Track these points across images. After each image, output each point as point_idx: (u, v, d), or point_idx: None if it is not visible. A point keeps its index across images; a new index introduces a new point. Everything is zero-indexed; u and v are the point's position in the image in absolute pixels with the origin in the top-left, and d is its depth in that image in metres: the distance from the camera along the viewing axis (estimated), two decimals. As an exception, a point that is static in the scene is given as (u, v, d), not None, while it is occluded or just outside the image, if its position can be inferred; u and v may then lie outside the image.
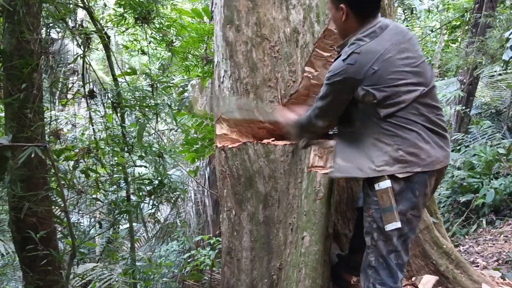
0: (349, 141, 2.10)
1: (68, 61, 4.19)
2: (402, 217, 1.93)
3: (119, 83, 3.98)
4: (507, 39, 6.05)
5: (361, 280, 2.09)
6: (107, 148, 3.75)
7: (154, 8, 3.81)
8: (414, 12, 12.46)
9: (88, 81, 3.87)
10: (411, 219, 1.97)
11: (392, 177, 1.91)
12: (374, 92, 1.91)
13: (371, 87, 1.91)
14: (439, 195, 6.39)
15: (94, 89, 3.97)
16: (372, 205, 1.97)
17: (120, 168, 3.80)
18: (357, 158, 2.03)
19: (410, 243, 2.07)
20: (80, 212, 3.96)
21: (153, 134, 4.40)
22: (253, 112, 2.70)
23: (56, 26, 3.46)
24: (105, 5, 4.21)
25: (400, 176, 1.90)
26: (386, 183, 1.91)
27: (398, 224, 1.91)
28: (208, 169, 7.32)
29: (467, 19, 9.31)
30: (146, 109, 3.80)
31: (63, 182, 3.27)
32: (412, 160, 1.90)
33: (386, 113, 1.92)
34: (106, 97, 3.83)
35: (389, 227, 1.92)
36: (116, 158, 3.79)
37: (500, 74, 9.17)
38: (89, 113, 3.94)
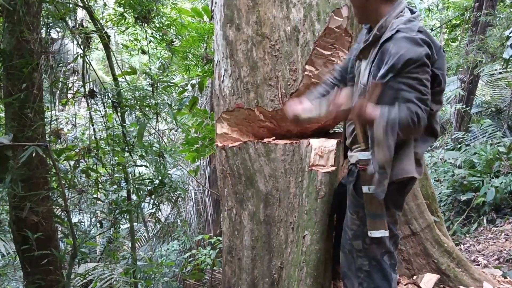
0: None
1: (68, 61, 4.18)
2: (391, 219, 1.88)
3: (119, 83, 3.98)
4: (507, 38, 6.05)
5: (349, 285, 2.01)
6: (107, 147, 3.75)
7: (154, 7, 3.80)
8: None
9: (88, 81, 3.86)
10: (397, 220, 1.95)
11: None
12: (442, 79, 1.78)
13: (440, 71, 1.77)
14: (439, 194, 6.39)
15: (94, 88, 3.97)
16: (360, 208, 1.89)
17: (121, 167, 3.80)
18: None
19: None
20: (80, 211, 3.96)
21: (154, 134, 4.40)
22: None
23: (56, 26, 3.45)
24: (105, 4, 4.20)
25: (395, 179, 1.81)
26: None
27: (386, 233, 1.82)
28: (208, 168, 7.32)
29: (467, 17, 9.32)
30: (146, 109, 3.80)
31: (63, 182, 3.27)
32: (413, 164, 1.83)
33: (436, 110, 1.82)
34: (106, 97, 3.82)
35: (374, 233, 1.82)
36: (116, 158, 3.79)
37: (500, 73, 9.18)
38: (89, 112, 3.93)
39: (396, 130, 1.68)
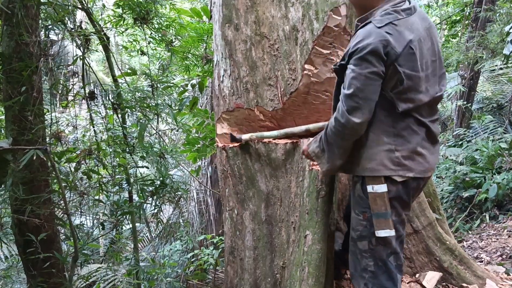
0: None
1: (68, 63, 4.18)
2: (398, 218, 1.87)
3: (119, 84, 3.98)
4: (508, 33, 6.02)
5: (355, 285, 2.00)
6: (108, 149, 3.75)
7: (153, 8, 3.79)
8: (414, 7, 12.36)
9: (88, 83, 3.86)
10: (405, 220, 1.93)
11: (389, 179, 1.81)
12: (404, 78, 1.70)
13: (404, 68, 1.69)
14: (441, 191, 6.38)
15: (95, 90, 3.97)
16: (367, 208, 1.88)
17: (122, 169, 3.80)
18: (352, 153, 1.92)
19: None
20: (82, 213, 3.96)
21: (154, 135, 4.39)
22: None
23: (55, 28, 3.45)
24: (103, 6, 4.19)
25: (398, 179, 1.81)
26: (382, 187, 1.81)
27: (392, 232, 1.83)
28: (210, 168, 7.33)
29: (467, 13, 9.29)
30: (147, 110, 3.79)
31: (65, 184, 3.27)
32: (407, 164, 1.80)
33: (404, 109, 1.75)
34: (107, 98, 3.82)
35: (380, 233, 1.84)
36: (117, 159, 3.79)
37: (501, 69, 9.15)
38: (90, 114, 3.93)
39: (333, 143, 1.89)
